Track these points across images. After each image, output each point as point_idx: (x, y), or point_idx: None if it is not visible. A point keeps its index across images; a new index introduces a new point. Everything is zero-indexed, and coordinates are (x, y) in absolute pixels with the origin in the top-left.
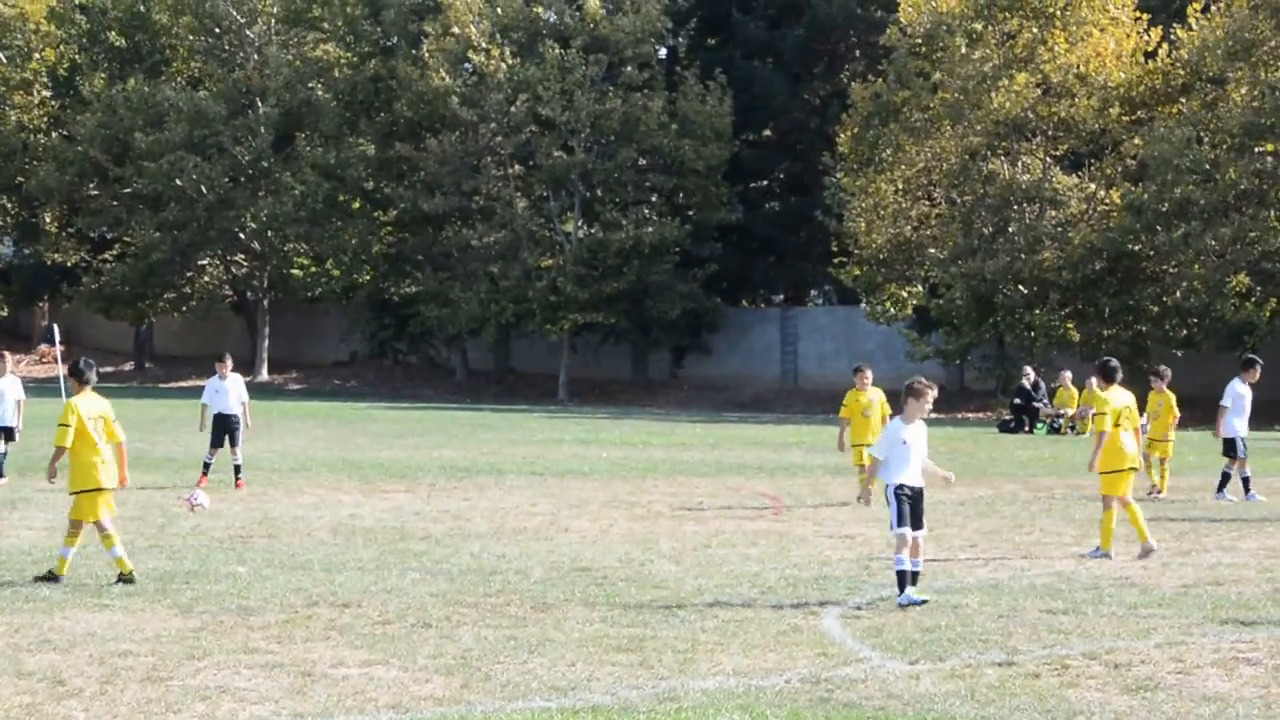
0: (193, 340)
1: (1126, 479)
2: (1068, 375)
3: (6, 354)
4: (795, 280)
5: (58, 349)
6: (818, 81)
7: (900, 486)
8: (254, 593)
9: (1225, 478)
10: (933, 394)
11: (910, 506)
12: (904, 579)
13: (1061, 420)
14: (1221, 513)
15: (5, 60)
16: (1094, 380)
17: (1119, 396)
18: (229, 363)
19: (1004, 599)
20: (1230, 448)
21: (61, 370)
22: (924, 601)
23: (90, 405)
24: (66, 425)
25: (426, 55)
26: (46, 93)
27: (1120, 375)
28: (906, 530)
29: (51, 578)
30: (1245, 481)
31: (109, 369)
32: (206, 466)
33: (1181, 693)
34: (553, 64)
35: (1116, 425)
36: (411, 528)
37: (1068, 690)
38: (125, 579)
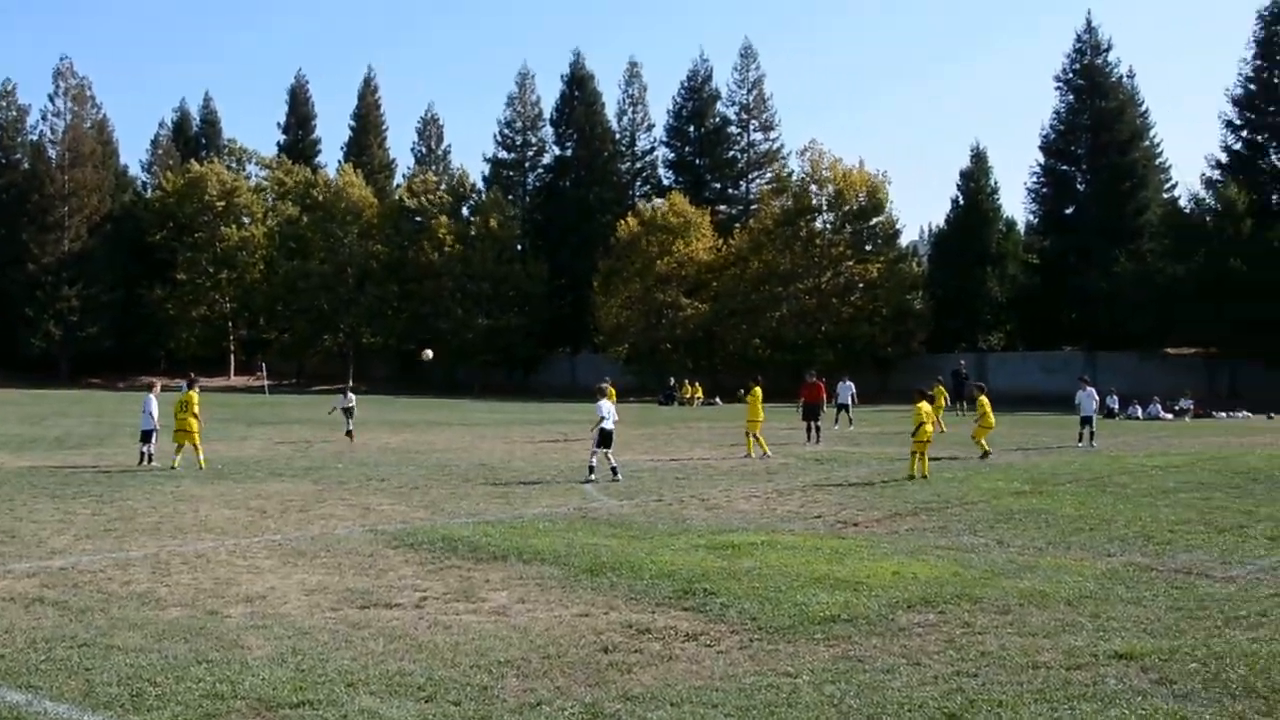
0: None
1: (757, 426)
2: (687, 381)
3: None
4: (568, 341)
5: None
6: (588, 257)
7: (604, 430)
8: (346, 475)
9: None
10: (611, 391)
11: (603, 437)
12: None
13: (680, 400)
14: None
15: None
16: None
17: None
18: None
19: (659, 474)
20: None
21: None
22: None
23: None
24: None
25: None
26: None
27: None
28: (600, 450)
29: None
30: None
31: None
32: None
33: (728, 507)
34: (475, 251)
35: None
36: (414, 448)
37: (682, 510)
38: None
